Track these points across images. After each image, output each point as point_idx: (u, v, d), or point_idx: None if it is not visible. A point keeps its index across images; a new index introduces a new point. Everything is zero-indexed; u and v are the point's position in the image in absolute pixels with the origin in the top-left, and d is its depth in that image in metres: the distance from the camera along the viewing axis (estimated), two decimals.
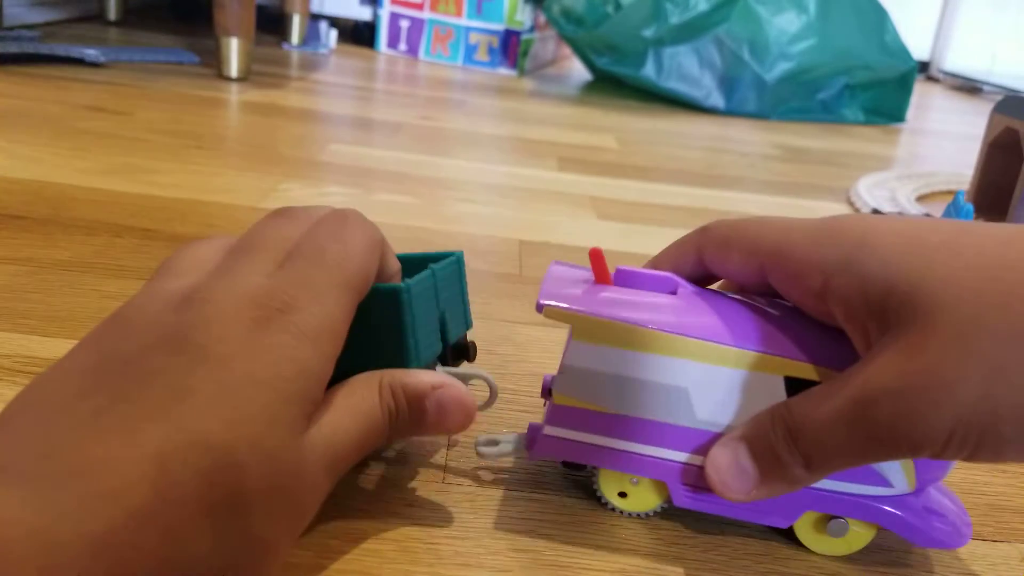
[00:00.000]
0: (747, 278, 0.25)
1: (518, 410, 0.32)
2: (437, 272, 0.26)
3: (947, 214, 0.53)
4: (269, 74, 1.01)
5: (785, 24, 1.15)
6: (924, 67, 2.02)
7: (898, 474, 0.24)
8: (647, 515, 0.26)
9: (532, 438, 0.26)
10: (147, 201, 0.51)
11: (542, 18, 1.36)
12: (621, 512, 0.26)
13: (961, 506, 0.26)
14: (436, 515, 0.25)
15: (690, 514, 0.27)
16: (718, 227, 0.26)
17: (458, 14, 1.31)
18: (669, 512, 0.27)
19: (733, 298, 0.25)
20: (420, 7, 1.32)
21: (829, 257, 0.22)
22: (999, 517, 0.29)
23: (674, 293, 0.25)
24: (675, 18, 1.11)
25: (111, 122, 0.69)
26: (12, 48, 0.87)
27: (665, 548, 0.25)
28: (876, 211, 0.69)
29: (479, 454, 0.27)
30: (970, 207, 0.51)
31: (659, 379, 0.24)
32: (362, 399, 0.22)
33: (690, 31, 1.14)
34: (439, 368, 0.26)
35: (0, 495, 0.15)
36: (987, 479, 0.32)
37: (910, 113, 1.27)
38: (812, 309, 0.24)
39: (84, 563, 0.15)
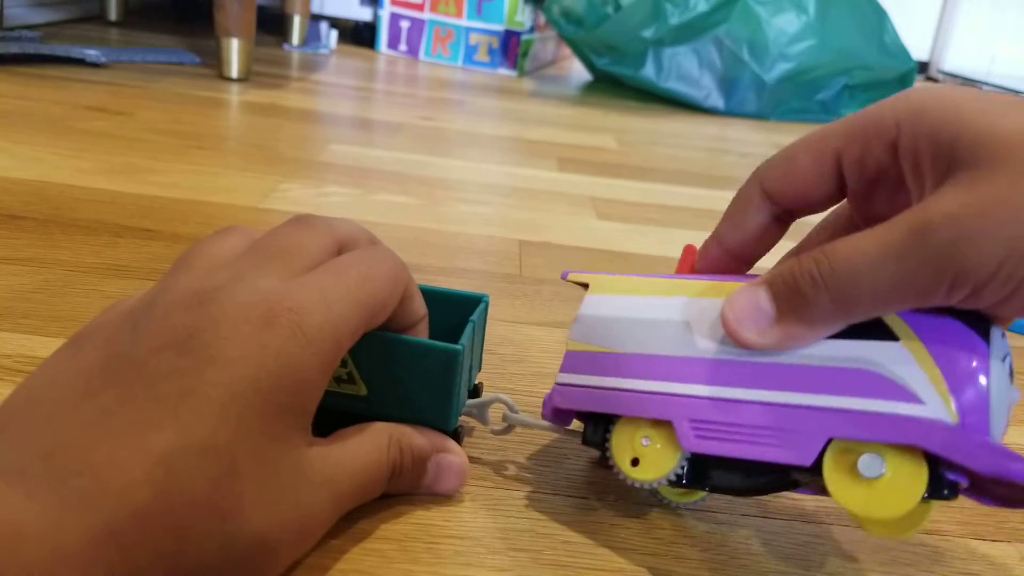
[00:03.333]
0: (819, 182, 0.24)
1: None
2: (476, 324, 0.27)
3: None
4: (269, 74, 1.01)
5: (784, 24, 1.15)
6: (923, 67, 2.02)
7: (928, 389, 0.21)
8: (656, 485, 0.25)
9: (546, 400, 0.27)
10: (147, 201, 0.51)
11: (542, 19, 1.36)
12: (633, 483, 0.25)
13: None
14: (436, 515, 0.25)
15: (690, 514, 0.27)
16: (773, 158, 0.25)
17: (458, 15, 1.31)
18: (669, 512, 0.27)
19: None
20: (420, 8, 1.32)
21: (901, 108, 0.22)
22: (998, 517, 0.29)
23: None
24: (675, 18, 1.11)
25: (112, 122, 0.69)
26: (13, 48, 0.87)
27: (665, 548, 0.25)
28: None
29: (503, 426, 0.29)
30: None
31: (663, 317, 0.25)
32: (373, 447, 0.23)
33: (690, 31, 1.14)
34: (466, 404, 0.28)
35: (5, 493, 0.15)
36: None
37: None
38: (887, 169, 0.22)
39: (88, 556, 0.15)
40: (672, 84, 1.16)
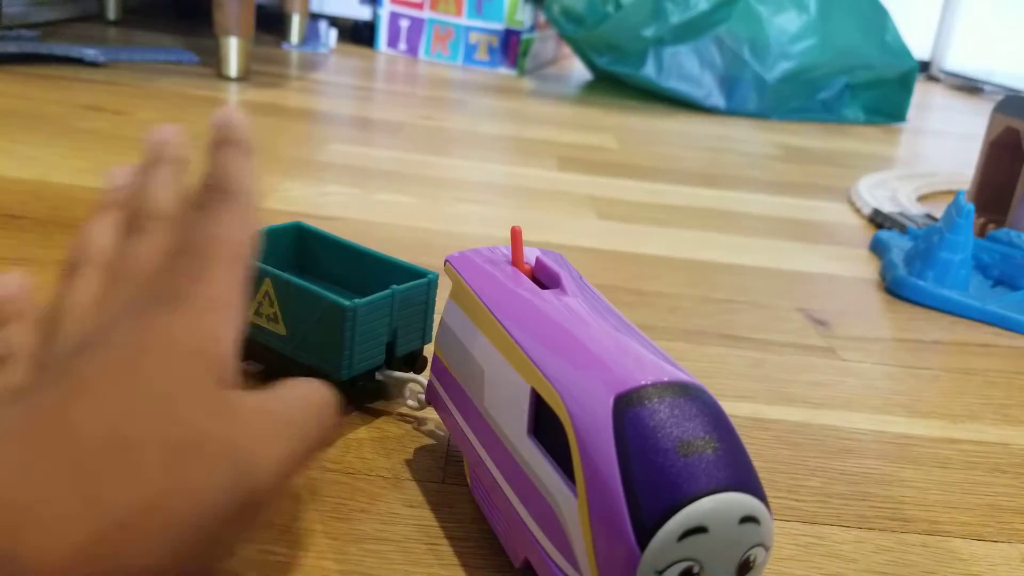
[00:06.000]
0: None
1: None
2: (397, 294, 0.29)
3: (947, 214, 0.53)
4: (269, 74, 1.01)
5: (785, 23, 1.15)
6: (925, 67, 2.02)
7: (587, 561, 0.19)
8: None
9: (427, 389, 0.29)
10: None
11: (542, 17, 1.35)
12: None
13: None
14: (436, 516, 0.25)
15: None
16: None
17: (458, 13, 1.31)
18: None
19: (592, 304, 0.24)
20: (420, 6, 1.32)
21: None
22: (1000, 517, 0.29)
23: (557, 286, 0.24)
24: (675, 17, 1.11)
25: (110, 122, 0.68)
26: (12, 48, 0.87)
27: None
28: (877, 211, 0.69)
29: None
30: (971, 207, 0.51)
31: (477, 355, 0.24)
32: (310, 397, 0.22)
33: (690, 31, 1.13)
34: (384, 372, 0.30)
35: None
36: (988, 479, 0.32)
37: (911, 113, 1.27)
38: None
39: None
40: (673, 83, 1.16)
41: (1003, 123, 0.67)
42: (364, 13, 1.40)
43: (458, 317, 0.26)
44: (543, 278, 0.25)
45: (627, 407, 0.19)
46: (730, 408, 0.34)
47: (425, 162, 0.69)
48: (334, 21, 1.39)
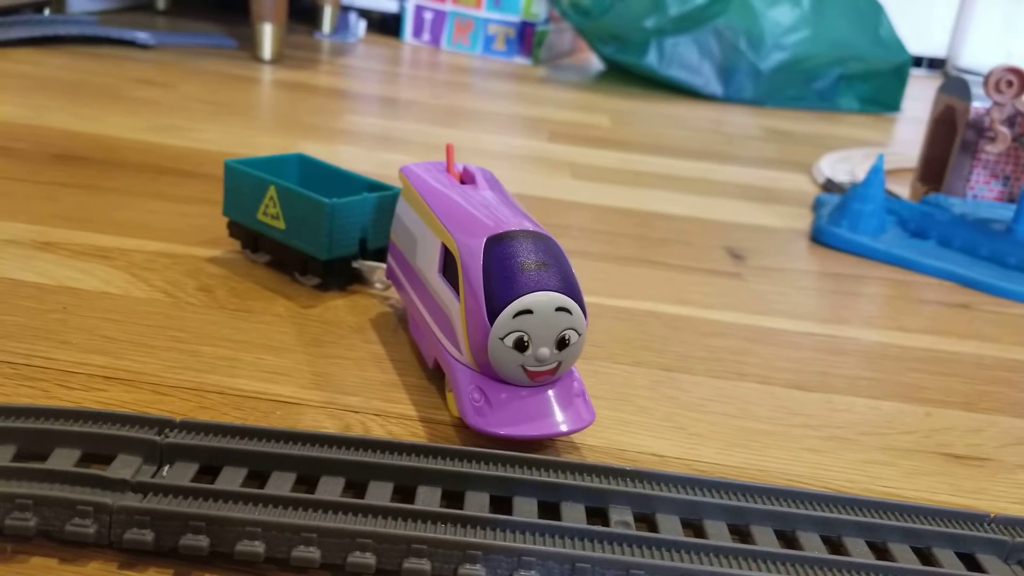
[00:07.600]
0: None
1: None
2: (368, 200, 0.39)
3: (867, 174, 0.60)
4: (300, 58, 1.11)
5: (779, 16, 1.22)
6: (940, 64, 2.05)
7: (463, 345, 0.28)
8: None
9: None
10: (185, 152, 0.61)
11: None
12: None
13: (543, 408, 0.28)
14: (385, 348, 0.34)
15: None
16: None
17: (478, 6, 1.41)
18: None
19: (496, 195, 0.33)
20: (443, 0, 1.42)
21: None
22: (824, 379, 0.37)
23: (474, 183, 0.34)
24: (674, 9, 1.19)
25: (158, 92, 0.79)
26: (75, 30, 0.99)
27: None
28: (830, 180, 0.77)
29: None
30: (880, 164, 0.59)
31: (412, 229, 0.34)
32: None
33: (689, 22, 1.21)
34: (358, 261, 0.40)
35: None
36: (828, 358, 0.40)
37: (911, 104, 1.33)
38: None
39: None
40: (674, 72, 1.24)
41: (943, 102, 0.74)
42: (391, 5, 1.50)
43: (404, 208, 0.35)
44: (466, 180, 0.35)
45: (494, 243, 0.28)
46: (632, 305, 0.43)
47: (429, 132, 0.79)
48: (363, 13, 1.50)
